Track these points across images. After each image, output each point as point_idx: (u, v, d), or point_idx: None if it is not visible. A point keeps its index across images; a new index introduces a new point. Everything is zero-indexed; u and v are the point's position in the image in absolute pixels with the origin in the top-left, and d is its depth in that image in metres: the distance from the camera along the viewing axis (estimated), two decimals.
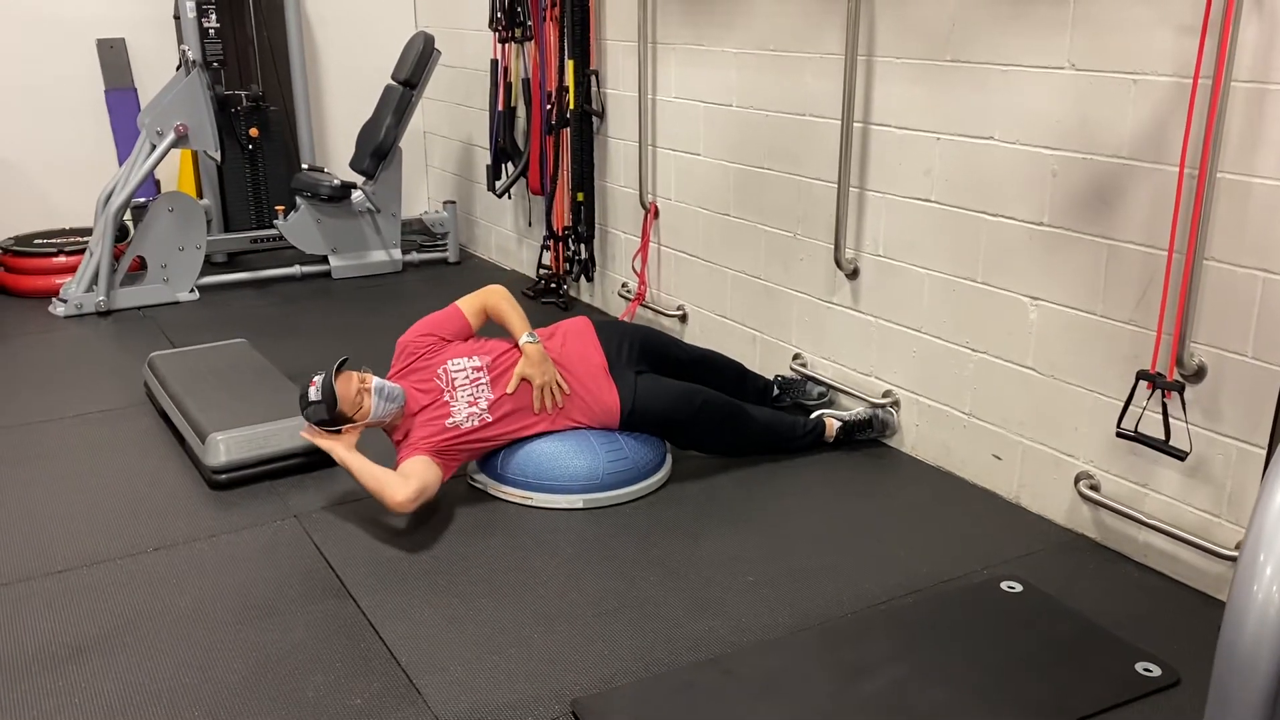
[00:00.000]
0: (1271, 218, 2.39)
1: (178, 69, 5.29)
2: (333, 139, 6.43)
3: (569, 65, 4.70)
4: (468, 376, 3.13)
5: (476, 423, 3.08)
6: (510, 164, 5.42)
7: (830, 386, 3.71)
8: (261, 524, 3.05)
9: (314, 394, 2.99)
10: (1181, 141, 2.51)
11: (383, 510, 3.12)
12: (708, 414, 3.31)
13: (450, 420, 3.06)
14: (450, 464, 3.07)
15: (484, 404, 3.10)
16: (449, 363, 3.15)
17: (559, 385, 3.16)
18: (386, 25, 6.34)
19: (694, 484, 3.28)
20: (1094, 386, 2.85)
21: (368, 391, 3.03)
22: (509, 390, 3.12)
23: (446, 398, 3.09)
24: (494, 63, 5.30)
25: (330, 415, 2.98)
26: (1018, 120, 2.92)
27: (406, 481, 2.92)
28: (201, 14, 5.54)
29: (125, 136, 5.63)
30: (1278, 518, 1.15)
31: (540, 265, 5.24)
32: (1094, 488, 2.88)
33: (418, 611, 2.61)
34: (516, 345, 3.18)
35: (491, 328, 3.29)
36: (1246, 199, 2.43)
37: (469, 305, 3.27)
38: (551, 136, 4.93)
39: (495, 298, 3.26)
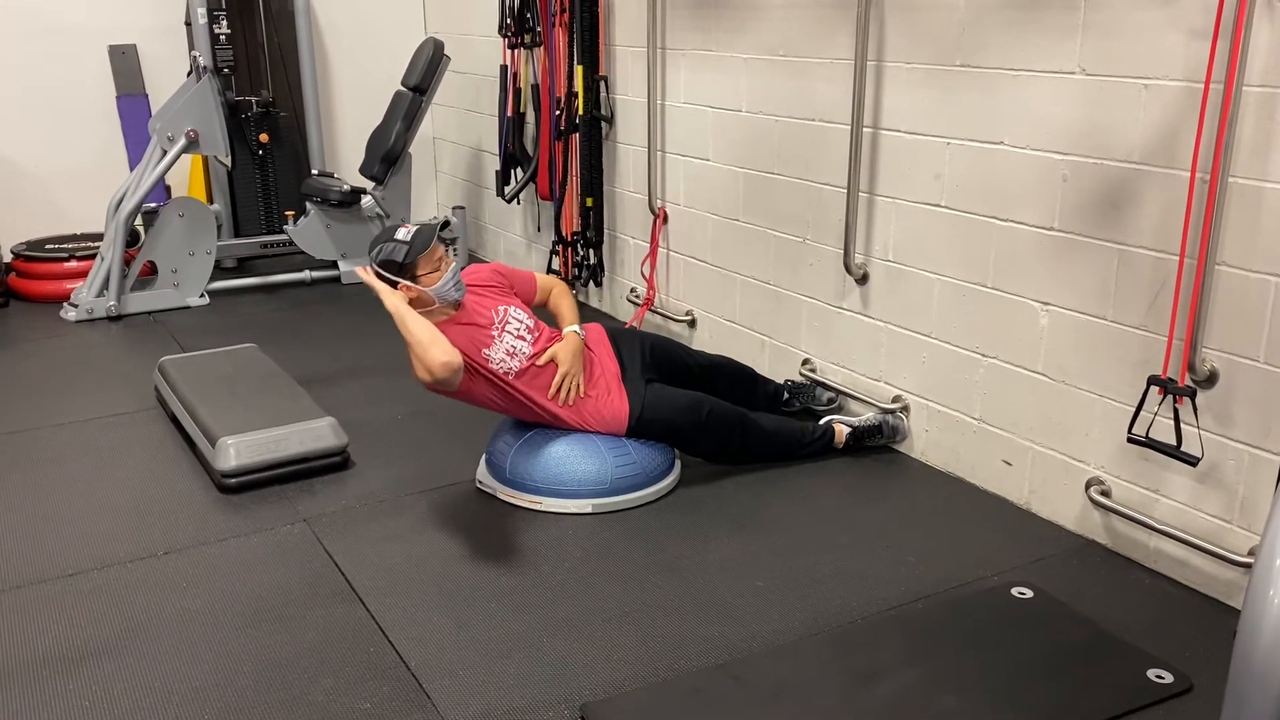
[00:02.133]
0: None
1: (189, 75, 5.31)
2: (342, 145, 6.45)
3: (578, 71, 4.71)
4: (518, 330, 3.15)
5: (503, 370, 3.08)
6: (519, 169, 5.43)
7: (840, 392, 3.70)
8: (271, 528, 3.06)
9: (404, 235, 2.99)
10: (1193, 146, 2.50)
11: (393, 515, 3.12)
12: (714, 425, 3.30)
13: (487, 350, 3.06)
14: (466, 383, 3.02)
15: (518, 361, 3.10)
16: (510, 308, 3.19)
17: (578, 385, 3.16)
18: (396, 31, 6.36)
19: (703, 489, 3.28)
20: (1105, 392, 2.84)
21: (447, 265, 3.04)
22: (539, 363, 3.13)
23: (494, 332, 3.10)
24: (503, 68, 5.31)
25: (408, 260, 2.96)
26: (1028, 125, 2.92)
27: (453, 350, 2.88)
28: (212, 20, 5.56)
29: (136, 142, 5.65)
30: None
31: (549, 270, 5.24)
32: (1105, 493, 2.87)
33: (427, 616, 2.60)
34: (561, 333, 3.23)
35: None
36: (1259, 204, 2.42)
37: (542, 279, 3.39)
38: (560, 142, 4.94)
39: (561, 288, 3.40)
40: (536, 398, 3.14)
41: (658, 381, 3.34)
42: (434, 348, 2.85)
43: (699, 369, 3.52)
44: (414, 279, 3.00)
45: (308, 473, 3.36)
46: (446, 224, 3.04)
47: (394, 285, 2.99)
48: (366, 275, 3.01)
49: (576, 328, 3.25)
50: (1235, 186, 2.45)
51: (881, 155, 3.39)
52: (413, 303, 2.99)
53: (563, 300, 3.36)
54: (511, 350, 3.11)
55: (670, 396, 3.28)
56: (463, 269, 3.21)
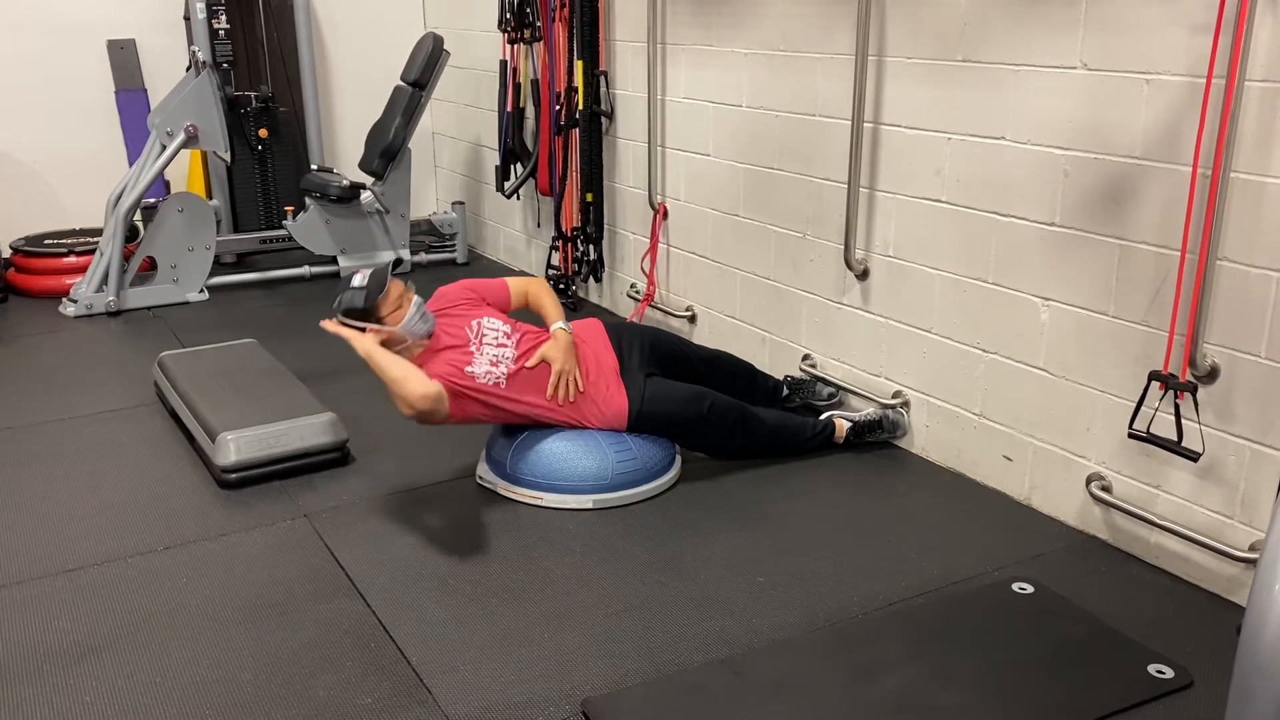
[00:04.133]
0: None
1: (187, 70, 5.30)
2: (342, 140, 6.44)
3: (578, 66, 4.70)
4: (496, 338, 3.14)
5: (491, 383, 3.08)
6: (519, 165, 5.42)
7: (840, 387, 3.70)
8: (271, 523, 3.06)
9: (359, 280, 3.00)
10: (1195, 141, 2.50)
11: (393, 510, 3.12)
12: (715, 417, 3.30)
13: (469, 368, 3.06)
14: (457, 408, 3.02)
15: (504, 369, 3.10)
16: (484, 319, 3.17)
17: (575, 380, 3.16)
18: (396, 26, 6.35)
19: (704, 484, 3.28)
20: (1106, 387, 2.84)
21: (409, 301, 3.04)
22: (529, 365, 3.12)
23: (472, 348, 3.10)
24: (503, 63, 5.30)
25: (369, 305, 2.97)
26: (1029, 120, 2.91)
27: (430, 382, 2.89)
28: (211, 15, 5.55)
29: (135, 137, 5.65)
30: None
31: (549, 266, 5.24)
32: (1105, 489, 2.87)
33: (428, 611, 2.60)
34: (548, 331, 3.21)
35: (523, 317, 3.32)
36: (1260, 199, 2.42)
37: (514, 284, 3.36)
38: (560, 137, 4.93)
39: (538, 286, 3.36)
40: (531, 400, 3.13)
41: (657, 375, 3.33)
42: (409, 382, 2.87)
43: (699, 363, 3.52)
44: (379, 321, 3.00)
45: (308, 468, 3.36)
46: (399, 261, 3.06)
47: (363, 331, 2.99)
48: (333, 326, 3.01)
49: (563, 324, 3.23)
50: (1237, 182, 2.45)
51: (882, 150, 3.39)
52: (385, 344, 2.99)
53: (543, 297, 3.33)
54: (495, 360, 3.10)
55: (670, 389, 3.27)
56: (429, 297, 3.22)
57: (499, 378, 3.08)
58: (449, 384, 2.98)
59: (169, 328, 4.88)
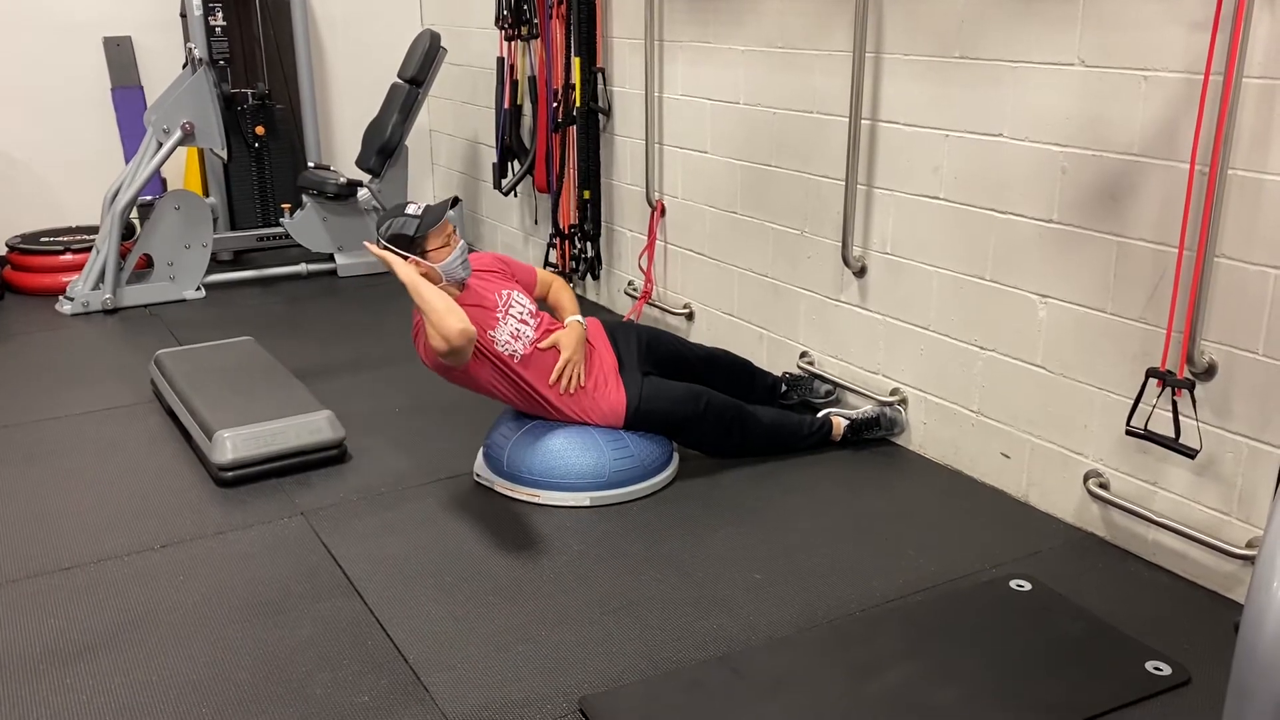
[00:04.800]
0: None
1: (184, 67, 5.29)
2: (339, 137, 6.43)
3: (575, 63, 4.70)
4: (521, 314, 3.17)
5: (507, 353, 3.08)
6: (516, 162, 5.41)
7: (837, 385, 3.70)
8: (268, 521, 3.05)
9: (414, 210, 3.00)
10: (1192, 138, 2.49)
11: (390, 508, 3.12)
12: (713, 416, 3.30)
13: (492, 332, 3.06)
14: (472, 363, 3.01)
15: (521, 345, 3.11)
16: (514, 292, 3.20)
17: (579, 374, 3.16)
18: (393, 23, 6.34)
19: (701, 482, 3.27)
20: (1103, 384, 2.84)
21: (455, 243, 3.05)
22: (542, 346, 3.14)
23: (499, 314, 3.11)
24: (500, 60, 5.29)
25: (418, 234, 2.96)
26: (1027, 117, 2.91)
27: (468, 320, 2.87)
28: (208, 12, 5.54)
29: (131, 134, 5.64)
30: None
31: (546, 263, 5.23)
32: (1103, 486, 2.87)
33: (425, 609, 2.60)
34: (563, 323, 3.25)
35: None
36: (1258, 196, 2.41)
37: (542, 273, 3.42)
38: (558, 134, 4.93)
39: (560, 282, 3.43)
40: (537, 384, 3.13)
41: (655, 374, 3.34)
42: (450, 315, 2.84)
43: (697, 361, 3.52)
44: (423, 254, 3.00)
45: (305, 466, 3.35)
46: (457, 200, 3.04)
47: (404, 260, 2.99)
48: (379, 252, 3.00)
49: (579, 317, 3.27)
50: (1235, 178, 2.45)
51: (880, 147, 3.39)
52: (427, 275, 2.99)
53: (563, 294, 3.39)
54: (515, 333, 3.11)
55: (667, 388, 3.27)
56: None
57: (515, 351, 3.10)
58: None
59: (166, 325, 4.87)
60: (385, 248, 2.99)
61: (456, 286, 3.08)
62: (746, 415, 3.36)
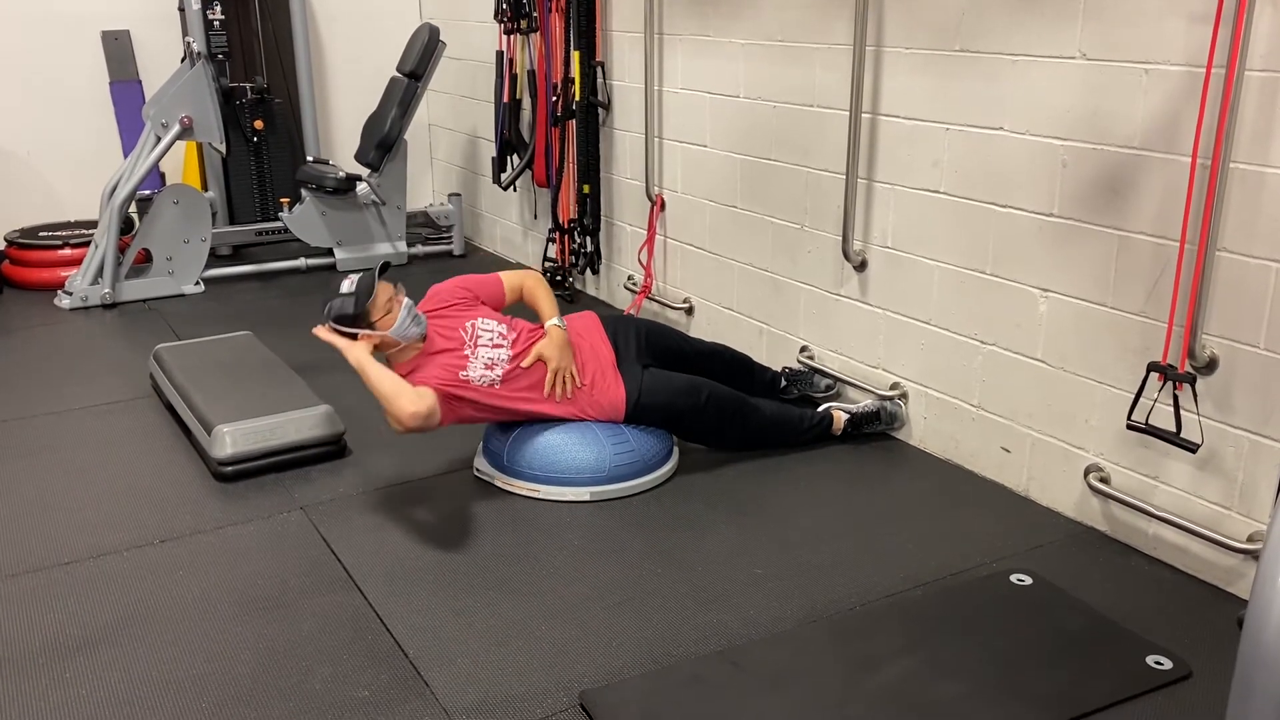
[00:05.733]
0: None
1: (182, 61, 5.28)
2: (338, 131, 6.42)
3: (574, 57, 4.68)
4: (491, 339, 3.12)
5: (486, 384, 3.06)
6: (515, 156, 5.40)
7: (837, 379, 3.70)
8: (268, 516, 3.05)
9: (347, 287, 2.97)
10: (1194, 131, 2.49)
11: (390, 503, 3.11)
12: (713, 408, 3.30)
13: (464, 373, 3.04)
14: (449, 413, 3.01)
15: (499, 370, 3.08)
16: (478, 320, 3.15)
17: (572, 375, 3.15)
18: (391, 17, 6.32)
19: (701, 476, 3.27)
20: (1104, 379, 2.83)
21: (399, 304, 3.01)
22: (524, 364, 3.11)
23: (466, 351, 3.08)
24: (499, 54, 5.28)
25: (358, 310, 2.94)
26: (1028, 110, 2.90)
27: (421, 397, 2.87)
28: (206, 6, 5.53)
29: (130, 129, 5.63)
30: None
31: (546, 258, 5.23)
32: (1104, 480, 2.87)
33: (425, 604, 2.60)
34: (542, 327, 3.20)
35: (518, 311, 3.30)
36: (1260, 189, 2.41)
37: (508, 279, 3.32)
38: (557, 128, 4.92)
39: (533, 280, 3.33)
40: (524, 403, 3.12)
41: (654, 367, 3.33)
42: (400, 399, 2.85)
43: (696, 356, 3.51)
44: (370, 326, 2.98)
45: (304, 460, 3.35)
46: (386, 266, 3.03)
47: (354, 338, 2.97)
48: (325, 334, 2.99)
49: (557, 320, 3.20)
50: (1236, 172, 2.44)
51: (880, 141, 3.38)
52: (379, 347, 2.99)
53: (538, 291, 3.30)
54: (490, 362, 3.08)
55: (668, 380, 3.27)
56: (425, 293, 3.20)
57: (494, 380, 3.07)
58: (443, 389, 2.97)
59: (164, 320, 4.86)
60: (334, 330, 2.98)
61: (418, 341, 3.06)
62: (748, 408, 3.35)
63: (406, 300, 3.04)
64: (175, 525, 3.00)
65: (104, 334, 4.73)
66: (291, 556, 2.83)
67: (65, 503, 3.14)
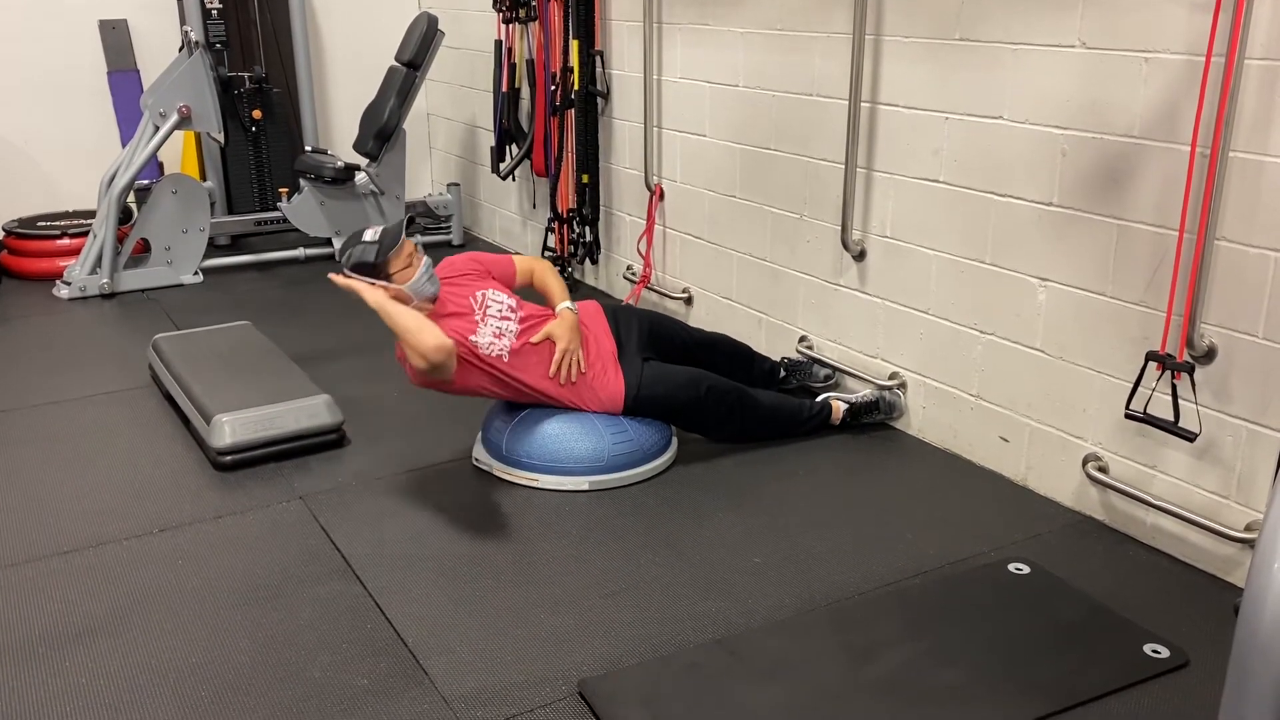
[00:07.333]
0: None
1: (180, 50, 5.26)
2: (336, 121, 6.40)
3: (573, 45, 4.67)
4: (500, 311, 3.13)
5: (494, 354, 3.06)
6: (514, 146, 5.39)
7: (836, 369, 3.70)
8: (267, 505, 3.05)
9: (371, 235, 2.96)
10: (1193, 120, 2.48)
11: (389, 493, 3.12)
12: (713, 400, 3.30)
13: (473, 338, 3.04)
14: (460, 374, 2.99)
15: (507, 343, 3.08)
16: (488, 291, 3.16)
17: (579, 361, 3.15)
18: (390, 6, 6.30)
19: (700, 466, 3.27)
20: (1103, 368, 2.83)
21: (419, 261, 3.01)
22: (534, 340, 3.11)
23: (476, 317, 3.08)
24: (498, 43, 5.26)
25: (379, 260, 2.93)
26: (1027, 99, 2.90)
27: (443, 335, 2.86)
28: None
29: (128, 118, 5.61)
30: None
31: (545, 248, 5.22)
32: (1102, 469, 2.87)
33: (424, 593, 2.60)
34: (553, 312, 3.21)
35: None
36: (1259, 179, 2.40)
37: (521, 261, 3.35)
38: (556, 118, 4.91)
39: (544, 266, 3.36)
40: (530, 379, 3.11)
41: (654, 359, 3.33)
42: (424, 333, 2.83)
43: (696, 346, 3.51)
44: (388, 278, 2.97)
45: (303, 450, 3.35)
46: (412, 220, 3.02)
47: (371, 286, 2.96)
48: (342, 280, 2.97)
49: (569, 304, 3.23)
50: (1236, 161, 2.44)
51: (879, 130, 3.37)
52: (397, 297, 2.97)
53: (549, 277, 3.32)
54: (498, 332, 3.08)
55: (667, 373, 3.27)
56: (435, 265, 3.19)
57: (502, 350, 3.07)
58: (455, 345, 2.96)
59: (163, 310, 4.86)
60: (350, 277, 2.97)
61: (429, 302, 3.04)
62: (747, 399, 3.35)
63: (426, 258, 3.05)
64: (174, 514, 3.00)
65: (102, 324, 4.73)
66: (291, 546, 2.83)
67: (64, 492, 3.14)
